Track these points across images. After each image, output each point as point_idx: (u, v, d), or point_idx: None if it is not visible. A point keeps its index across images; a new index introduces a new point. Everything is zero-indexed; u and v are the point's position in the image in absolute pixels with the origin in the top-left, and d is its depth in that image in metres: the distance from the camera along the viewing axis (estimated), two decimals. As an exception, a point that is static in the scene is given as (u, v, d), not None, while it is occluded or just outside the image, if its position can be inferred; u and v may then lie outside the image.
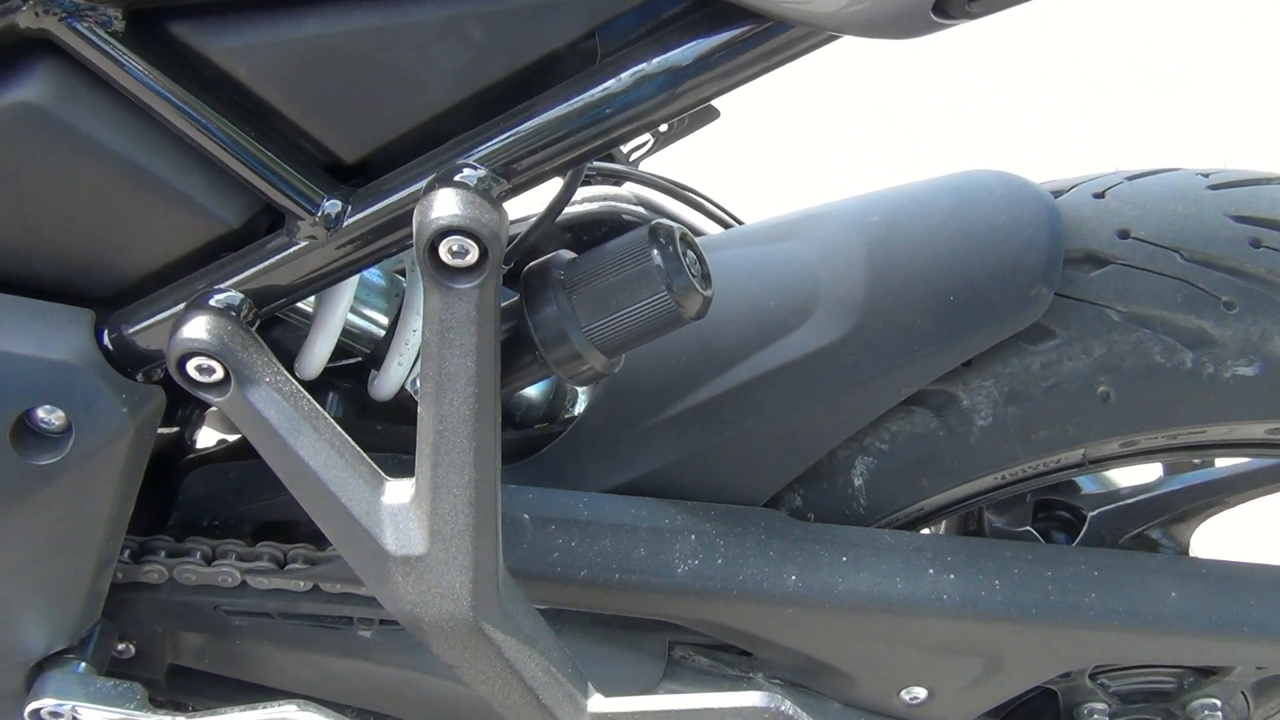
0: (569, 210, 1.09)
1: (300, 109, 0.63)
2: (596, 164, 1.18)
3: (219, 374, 0.65)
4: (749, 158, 2.49)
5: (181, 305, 0.68)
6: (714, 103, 1.23)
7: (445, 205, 0.59)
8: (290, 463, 0.66)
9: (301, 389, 0.67)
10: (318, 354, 0.86)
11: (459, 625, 0.66)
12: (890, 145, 2.57)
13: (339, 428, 0.67)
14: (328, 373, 0.98)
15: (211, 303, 0.66)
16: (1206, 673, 0.99)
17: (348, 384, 1.02)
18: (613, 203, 1.12)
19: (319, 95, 0.62)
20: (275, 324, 0.93)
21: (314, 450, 0.65)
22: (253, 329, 0.68)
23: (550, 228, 1.03)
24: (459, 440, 0.63)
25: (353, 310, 0.89)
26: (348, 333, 0.90)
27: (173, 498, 0.95)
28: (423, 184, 0.63)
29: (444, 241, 0.60)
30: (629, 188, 1.19)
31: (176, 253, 0.68)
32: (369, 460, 0.68)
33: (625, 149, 1.26)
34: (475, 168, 0.62)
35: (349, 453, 0.67)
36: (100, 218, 0.66)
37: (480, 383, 0.62)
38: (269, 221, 0.68)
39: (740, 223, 1.17)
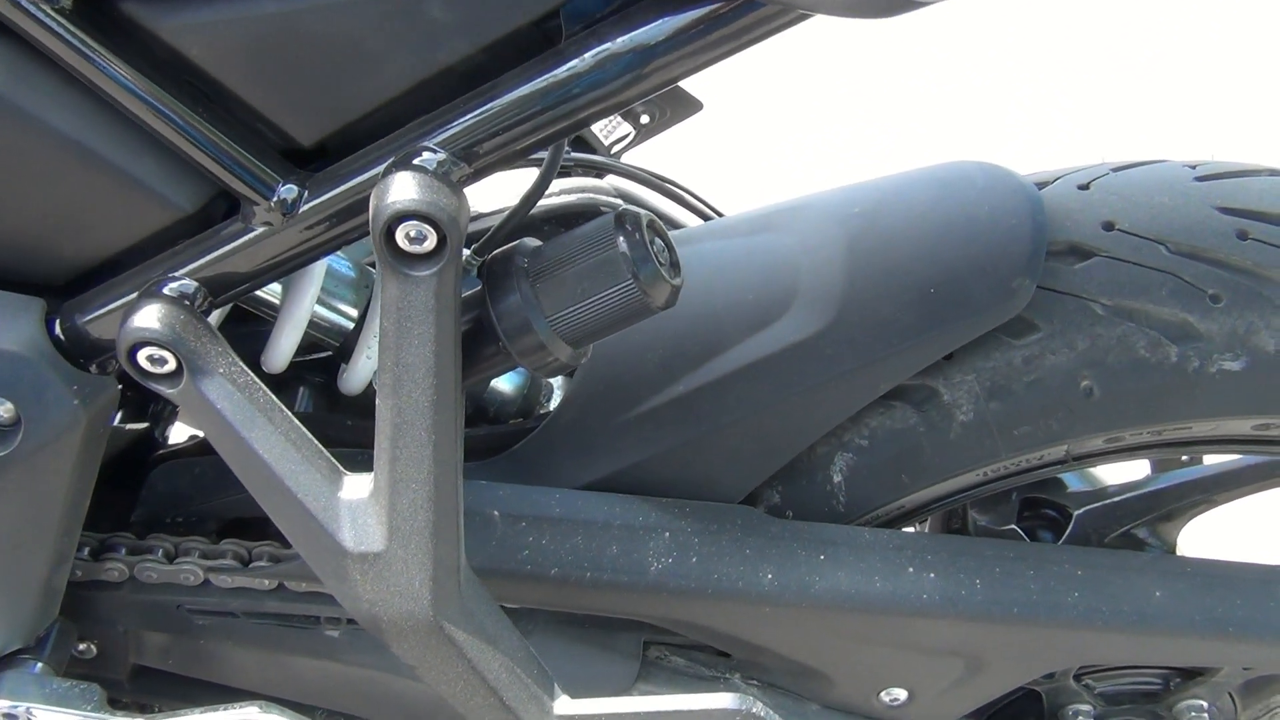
0: (547, 202, 1.07)
1: (255, 90, 0.61)
2: (576, 155, 1.16)
3: (171, 364, 0.63)
4: (731, 150, 2.47)
5: (134, 294, 0.66)
6: (696, 94, 1.23)
7: (402, 189, 0.57)
8: (244, 456, 0.64)
9: (257, 380, 0.65)
10: (284, 347, 0.85)
11: (419, 624, 0.64)
12: (871, 137, 2.56)
13: (296, 420, 0.65)
14: (297, 366, 0.97)
15: (164, 291, 0.65)
16: (1193, 673, 0.97)
17: (319, 378, 1.01)
18: (591, 194, 1.10)
19: (274, 76, 0.61)
20: (243, 318, 0.91)
21: (269, 443, 0.63)
22: (208, 318, 0.66)
23: (528, 219, 1.02)
24: (417, 433, 0.61)
25: (321, 302, 0.87)
26: (316, 325, 0.88)
27: (140, 494, 0.93)
28: (381, 168, 0.61)
29: (400, 227, 0.58)
30: (609, 180, 1.18)
31: (129, 239, 0.66)
32: (327, 454, 0.66)
33: (607, 141, 1.25)
34: (435, 151, 0.60)
35: (306, 446, 0.65)
36: (49, 203, 0.64)
37: (439, 374, 0.60)
38: (225, 207, 0.66)
39: (721, 215, 1.16)
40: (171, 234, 0.66)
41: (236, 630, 0.87)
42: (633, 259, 0.62)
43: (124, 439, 1.00)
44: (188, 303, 0.64)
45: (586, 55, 0.59)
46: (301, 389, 0.99)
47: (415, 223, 0.57)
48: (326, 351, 0.92)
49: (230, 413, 0.63)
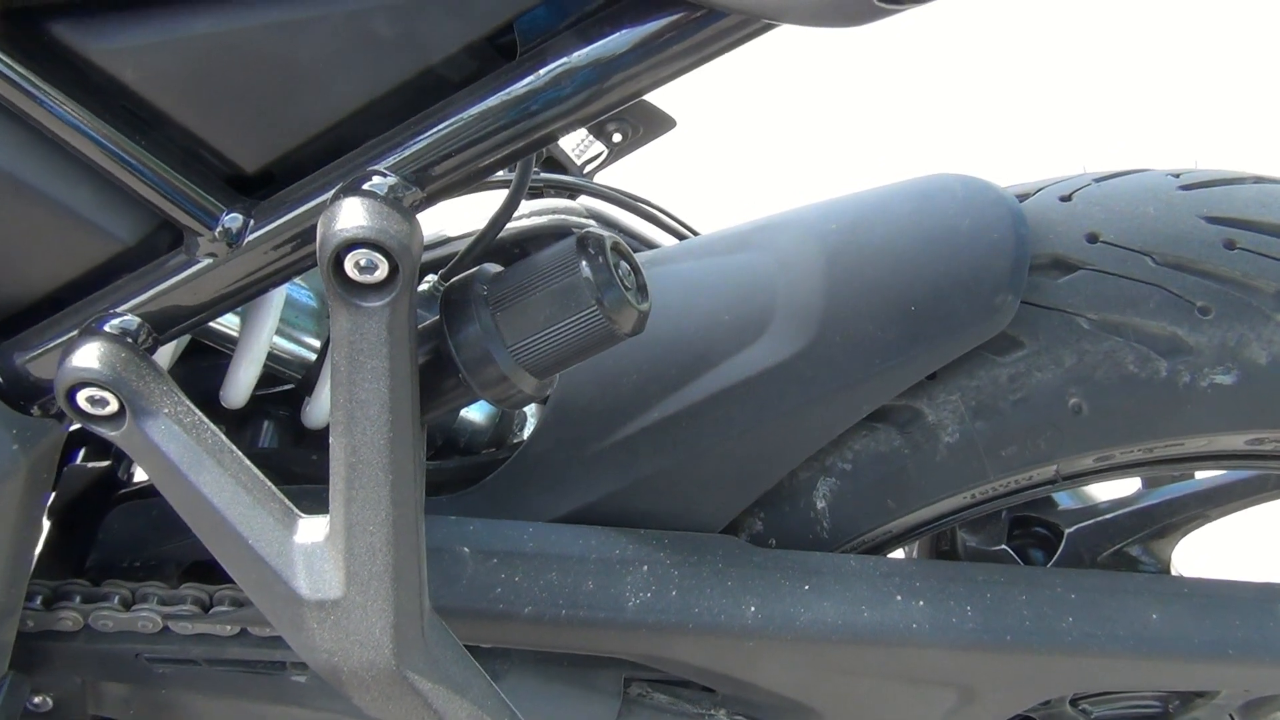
0: (517, 224, 1.05)
1: (194, 115, 0.58)
2: (546, 176, 1.14)
3: (113, 405, 0.60)
4: (706, 167, 2.45)
5: (75, 331, 0.62)
6: (669, 110, 1.21)
7: (350, 216, 0.54)
8: (192, 501, 0.61)
9: (205, 420, 0.62)
10: (243, 381, 0.82)
11: (380, 675, 0.61)
12: (847, 150, 2.55)
13: (248, 461, 0.62)
14: (260, 400, 0.93)
15: (105, 328, 0.61)
16: (1192, 696, 0.95)
17: (283, 411, 0.97)
18: (563, 215, 1.07)
19: (214, 100, 0.58)
20: (202, 352, 0.88)
21: (218, 486, 0.60)
22: (153, 355, 0.62)
23: (496, 243, 0.99)
24: (374, 473, 0.58)
25: (281, 333, 0.85)
26: (276, 357, 0.86)
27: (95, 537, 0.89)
28: (330, 194, 0.58)
29: (349, 255, 0.55)
30: (582, 201, 1.15)
31: (67, 274, 0.63)
32: (280, 496, 0.62)
33: (579, 160, 1.22)
34: (385, 175, 0.57)
35: (258, 488, 0.61)
36: None
37: (395, 410, 0.57)
38: (169, 239, 0.63)
39: (696, 234, 1.13)
40: (112, 268, 0.63)
41: (199, 678, 0.84)
42: (596, 284, 0.59)
43: (84, 478, 0.97)
44: (130, 340, 0.61)
45: (543, 70, 0.56)
46: (265, 423, 0.95)
47: (365, 251, 0.55)
48: (288, 384, 0.89)
49: (176, 455, 0.60)
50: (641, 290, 0.63)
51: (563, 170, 1.20)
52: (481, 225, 0.96)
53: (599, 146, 1.22)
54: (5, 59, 0.56)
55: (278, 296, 0.79)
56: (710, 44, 0.56)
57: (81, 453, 1.00)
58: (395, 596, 0.60)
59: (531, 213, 1.06)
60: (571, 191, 1.15)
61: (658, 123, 1.19)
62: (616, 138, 1.20)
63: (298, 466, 0.90)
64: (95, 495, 0.95)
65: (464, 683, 0.63)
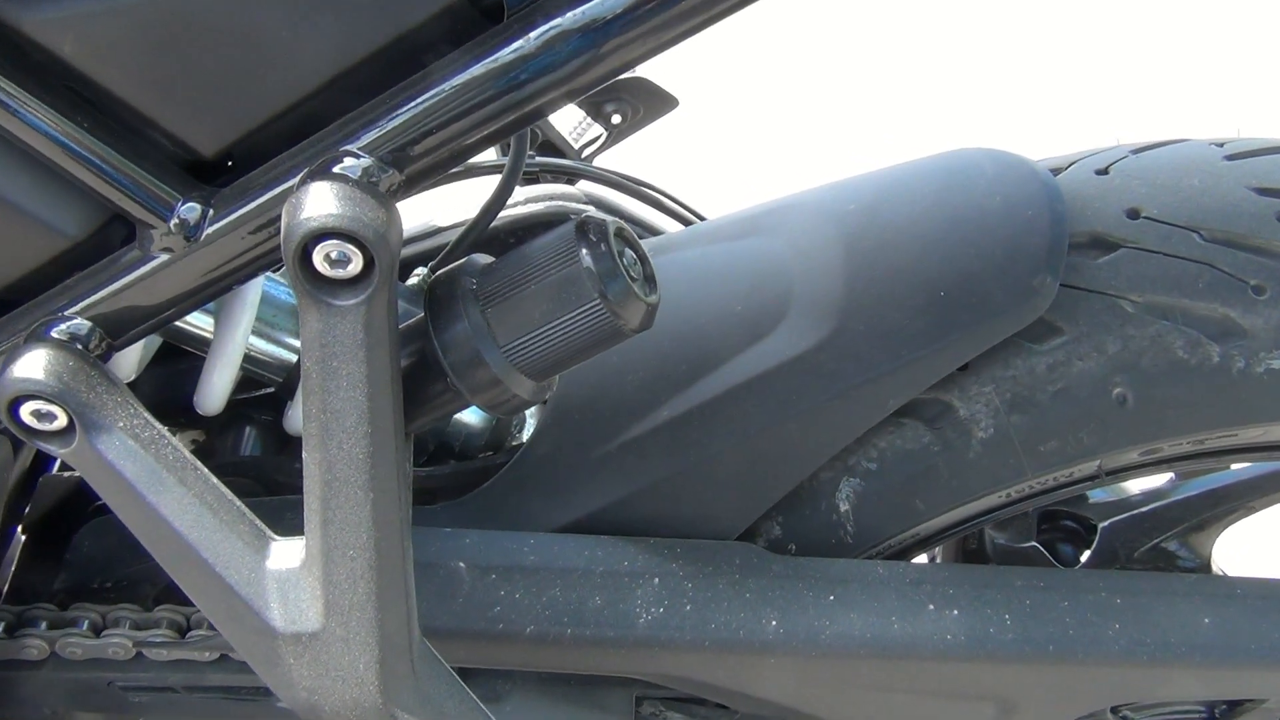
0: (511, 212, 0.99)
1: (143, 93, 0.53)
2: (543, 160, 1.09)
3: (61, 420, 0.54)
4: (711, 148, 2.39)
5: (18, 337, 0.56)
6: (671, 89, 1.15)
7: (318, 202, 0.48)
8: (152, 524, 0.55)
9: (165, 434, 0.56)
10: (218, 385, 0.77)
11: (366, 713, 0.55)
12: (860, 127, 2.48)
13: (215, 479, 0.56)
14: (242, 405, 0.88)
15: (51, 334, 0.56)
16: (1241, 700, 0.89)
17: (266, 416, 0.92)
18: (561, 202, 1.02)
19: (164, 75, 0.52)
20: (178, 355, 0.82)
21: (180, 507, 0.54)
22: (106, 363, 0.56)
23: (490, 232, 0.93)
24: (353, 491, 0.52)
25: (258, 334, 0.80)
26: (254, 359, 0.81)
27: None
28: (296, 179, 0.52)
29: (318, 247, 0.49)
30: (581, 186, 1.10)
31: (8, 275, 0.57)
32: (252, 517, 0.57)
33: (576, 144, 1.17)
34: (358, 156, 0.51)
35: (225, 509, 0.55)
36: None
37: (375, 420, 0.51)
38: (121, 233, 0.57)
39: (702, 219, 1.07)
40: (58, 266, 0.57)
41: (177, 706, 0.81)
42: (598, 274, 0.53)
43: (61, 489, 0.91)
44: (79, 346, 0.55)
45: (532, 35, 0.50)
46: (246, 429, 0.90)
47: (336, 242, 0.49)
48: (270, 388, 0.84)
49: (133, 474, 0.54)
50: (649, 281, 0.57)
51: (559, 154, 1.15)
52: (473, 214, 0.91)
53: (597, 129, 1.17)
54: None
55: (252, 293, 0.74)
56: (713, 5, 0.50)
57: (58, 462, 0.94)
58: (380, 627, 0.54)
59: (527, 199, 1.01)
60: (569, 176, 1.10)
61: (659, 102, 1.14)
62: (616, 119, 1.15)
63: (282, 475, 0.86)
64: (73, 507, 0.90)
65: (459, 717, 0.58)
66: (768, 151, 2.45)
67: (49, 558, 0.86)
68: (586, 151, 1.17)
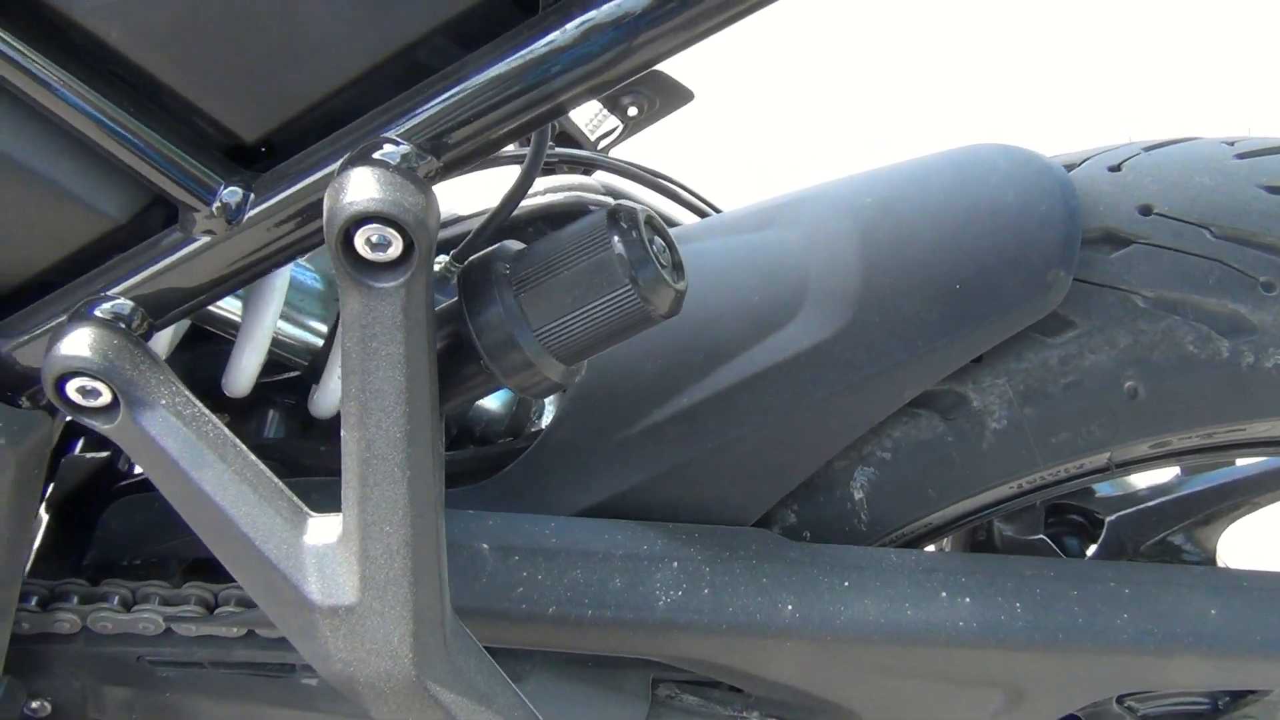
0: (531, 202, 1.00)
1: (187, 78, 0.54)
2: (561, 151, 1.09)
3: (105, 396, 0.55)
4: (726, 140, 2.39)
5: (63, 317, 0.58)
6: (686, 82, 1.16)
7: (360, 187, 0.49)
8: (193, 499, 0.56)
9: (206, 412, 0.57)
10: (246, 368, 0.78)
11: (399, 685, 0.57)
12: (872, 122, 2.48)
13: (253, 456, 0.58)
14: (265, 388, 0.89)
15: (96, 313, 0.57)
16: (1244, 692, 0.90)
17: (289, 399, 0.93)
18: (580, 192, 1.03)
19: (209, 61, 0.53)
20: (205, 338, 0.84)
21: (221, 483, 0.56)
22: (149, 341, 0.58)
23: (509, 221, 0.94)
24: (390, 469, 0.53)
25: (286, 318, 0.81)
26: (281, 343, 0.82)
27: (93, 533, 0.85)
28: (336, 164, 0.53)
29: (360, 231, 0.50)
30: (598, 176, 1.11)
31: (55, 255, 0.58)
32: (289, 493, 0.58)
33: (593, 135, 1.18)
34: (398, 143, 0.52)
35: (264, 485, 0.57)
36: None
37: (412, 399, 0.52)
38: (163, 216, 0.58)
39: (718, 210, 1.08)
40: (102, 247, 0.58)
41: (204, 681, 0.81)
42: (630, 261, 0.54)
43: (83, 470, 0.93)
44: (123, 325, 0.57)
45: (569, 26, 0.51)
46: (271, 413, 0.91)
47: (377, 226, 0.50)
48: (294, 371, 0.85)
49: (175, 450, 0.55)
50: (678, 268, 0.58)
51: (576, 145, 1.15)
52: (494, 203, 0.92)
53: (614, 120, 1.17)
54: None
55: (281, 278, 0.75)
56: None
57: (80, 443, 0.96)
58: (415, 601, 0.55)
59: (546, 189, 1.01)
60: (586, 167, 1.11)
61: (675, 95, 1.15)
62: (632, 111, 1.15)
63: (305, 458, 0.87)
64: (94, 488, 0.91)
65: (489, 692, 0.59)
66: (782, 145, 2.46)
67: (71, 537, 0.87)
68: (603, 143, 1.18)
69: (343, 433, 0.55)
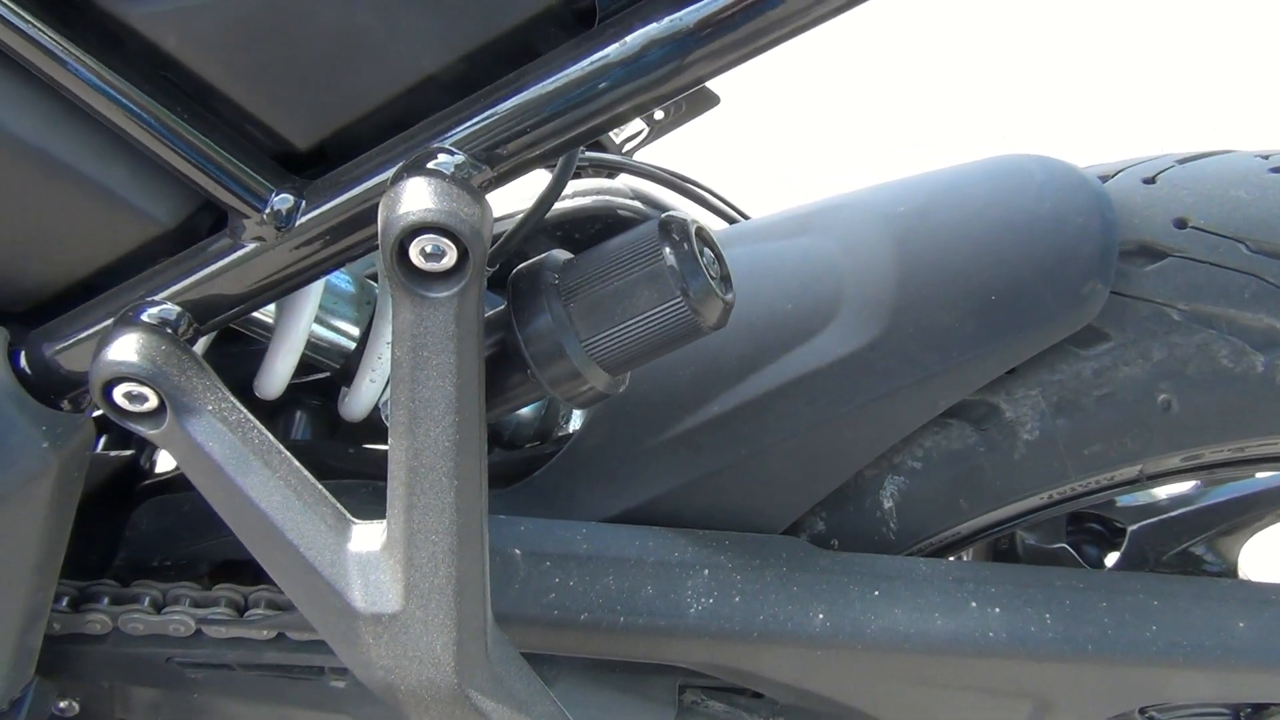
0: (559, 206, 1.00)
1: (241, 85, 0.54)
2: (588, 154, 1.09)
3: (152, 401, 0.55)
4: (755, 145, 2.38)
5: (109, 321, 0.58)
6: (712, 86, 1.15)
7: (416, 197, 0.49)
8: (238, 505, 0.56)
9: (251, 418, 0.57)
10: (280, 371, 0.78)
11: (441, 694, 0.57)
12: (898, 132, 2.48)
13: (297, 463, 0.58)
14: (294, 389, 0.89)
15: (143, 318, 0.57)
16: (1267, 704, 0.90)
17: (316, 401, 0.93)
18: (607, 197, 1.03)
19: (263, 68, 0.53)
20: (233, 338, 0.84)
21: (266, 490, 0.56)
22: (193, 347, 0.58)
23: (539, 225, 0.94)
24: (438, 478, 0.53)
25: (319, 321, 0.81)
26: (314, 346, 0.82)
27: (123, 534, 0.85)
28: (389, 173, 0.53)
29: (415, 241, 0.50)
30: (624, 180, 1.10)
31: (102, 259, 0.58)
32: (333, 501, 0.58)
33: (618, 139, 1.17)
34: (452, 153, 0.52)
35: (309, 492, 0.57)
36: (9, 218, 0.56)
37: (462, 409, 0.52)
38: (211, 221, 0.58)
39: (747, 217, 1.08)
40: (150, 252, 0.58)
41: (233, 683, 0.81)
42: (681, 273, 0.54)
43: (107, 468, 0.93)
44: (169, 330, 0.57)
45: (626, 40, 0.51)
46: (298, 414, 0.91)
47: (432, 236, 0.50)
48: (325, 373, 0.85)
49: (221, 456, 0.55)
50: (725, 280, 0.58)
51: (601, 148, 1.15)
52: (522, 206, 0.92)
53: (639, 123, 1.17)
54: (40, 26, 0.51)
55: (317, 283, 0.75)
56: (808, 12, 0.51)
57: (101, 441, 0.96)
58: (458, 610, 0.56)
59: (575, 193, 1.01)
60: (612, 170, 1.10)
61: (701, 100, 1.14)
62: (658, 115, 1.15)
63: (333, 460, 0.87)
64: (119, 486, 0.91)
65: (529, 701, 0.59)
66: (816, 153, 2.45)
67: (96, 536, 0.87)
68: (628, 146, 1.18)
69: (390, 440, 0.55)
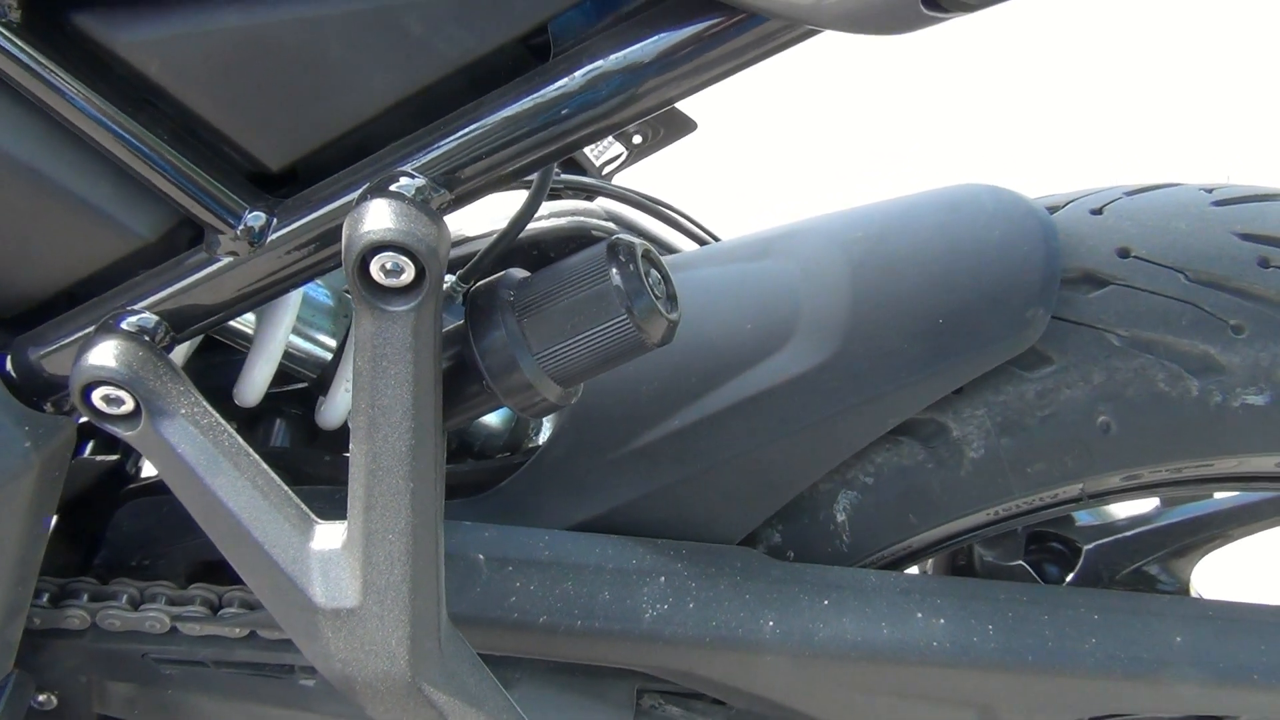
0: (535, 226, 1.03)
1: (219, 110, 0.57)
2: (566, 177, 1.12)
3: (128, 405, 0.59)
4: (727, 171, 2.43)
5: (91, 328, 0.61)
6: (690, 113, 1.19)
7: (377, 218, 0.53)
8: (207, 503, 0.59)
9: (222, 422, 0.60)
10: (257, 379, 0.81)
11: (395, 686, 0.60)
12: (871, 158, 2.53)
13: (265, 465, 0.61)
14: (273, 398, 0.92)
15: (122, 326, 0.60)
16: (1213, 717, 0.93)
17: (296, 410, 0.96)
18: (582, 218, 1.06)
19: (239, 95, 0.56)
20: (215, 348, 0.87)
21: (234, 489, 0.59)
22: (170, 353, 0.61)
23: (513, 245, 0.98)
24: (394, 481, 0.57)
25: (297, 332, 0.84)
26: (291, 356, 0.85)
27: (105, 534, 0.88)
28: (356, 194, 0.57)
29: (375, 258, 0.53)
30: (600, 203, 1.14)
31: (84, 270, 0.61)
32: (298, 501, 0.61)
33: (598, 162, 1.21)
34: (413, 176, 0.56)
35: (274, 493, 0.60)
36: (0, 230, 0.59)
37: (418, 416, 0.56)
38: (189, 236, 0.62)
39: (717, 239, 1.12)
40: (130, 264, 0.62)
41: (206, 680, 0.83)
42: (626, 292, 0.57)
43: (91, 472, 0.96)
44: (147, 338, 0.60)
45: (577, 74, 0.54)
46: (277, 422, 0.94)
47: (391, 254, 0.53)
48: (303, 383, 0.88)
49: (192, 457, 0.59)
50: (671, 299, 0.61)
51: (581, 171, 1.18)
52: (500, 225, 0.95)
53: (618, 148, 1.20)
54: (28, 50, 0.54)
55: (295, 295, 0.78)
56: (748, 50, 0.55)
57: (89, 446, 0.99)
58: (413, 607, 0.59)
59: (550, 214, 1.05)
60: (589, 193, 1.14)
61: (678, 125, 1.18)
62: (636, 139, 1.18)
63: (310, 467, 0.89)
64: (103, 489, 0.94)
65: (480, 696, 0.62)
66: (778, 178, 2.50)
67: (77, 537, 0.90)
68: (607, 170, 1.21)
69: (351, 445, 0.58)
